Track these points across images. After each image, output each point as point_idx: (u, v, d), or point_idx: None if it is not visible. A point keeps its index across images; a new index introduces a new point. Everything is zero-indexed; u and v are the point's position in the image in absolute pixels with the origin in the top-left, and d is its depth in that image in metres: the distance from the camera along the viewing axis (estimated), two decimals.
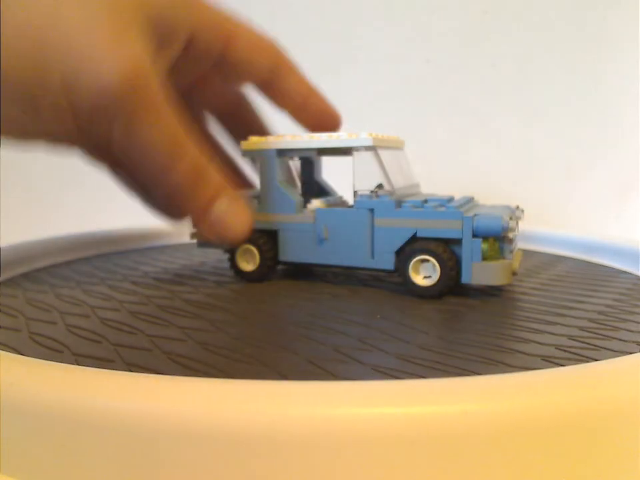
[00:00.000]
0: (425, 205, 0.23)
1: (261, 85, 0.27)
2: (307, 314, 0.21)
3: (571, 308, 0.21)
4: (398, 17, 0.53)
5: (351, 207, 0.25)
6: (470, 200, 0.25)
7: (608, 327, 0.19)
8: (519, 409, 0.11)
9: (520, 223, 0.25)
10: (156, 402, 0.12)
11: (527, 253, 0.34)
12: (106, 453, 0.12)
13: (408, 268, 0.23)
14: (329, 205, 0.26)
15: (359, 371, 0.15)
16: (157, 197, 0.26)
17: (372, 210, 0.24)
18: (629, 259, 0.29)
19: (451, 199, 0.25)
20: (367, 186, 0.24)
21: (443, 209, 0.22)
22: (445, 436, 0.11)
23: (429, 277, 0.23)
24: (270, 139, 0.25)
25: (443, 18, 0.52)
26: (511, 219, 0.22)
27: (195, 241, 0.28)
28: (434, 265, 0.22)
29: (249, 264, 0.26)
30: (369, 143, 0.23)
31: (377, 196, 0.24)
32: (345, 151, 0.26)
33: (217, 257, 0.33)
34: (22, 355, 0.16)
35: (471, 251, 0.22)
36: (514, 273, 0.22)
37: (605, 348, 0.16)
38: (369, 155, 0.24)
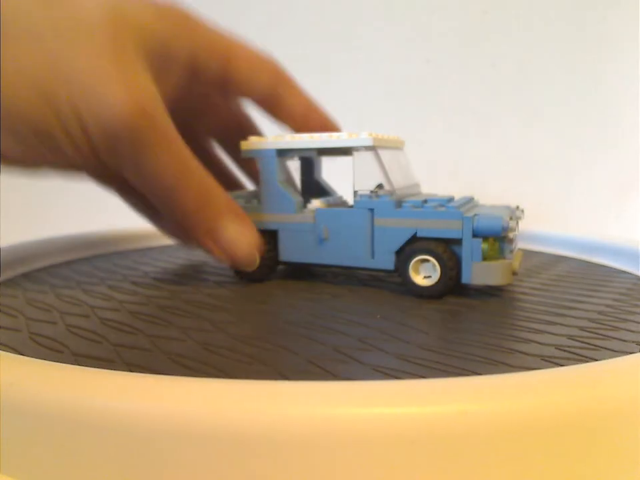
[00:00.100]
0: (425, 205, 0.23)
1: (262, 102, 0.27)
2: (307, 314, 0.21)
3: (571, 308, 0.21)
4: (398, 17, 0.53)
5: (351, 206, 0.25)
6: (470, 200, 0.25)
7: (608, 327, 0.19)
8: (519, 409, 0.11)
9: (520, 223, 0.25)
10: (156, 402, 0.12)
11: (527, 253, 0.34)
12: (106, 453, 0.12)
13: (408, 268, 0.23)
14: (329, 204, 0.26)
15: (359, 371, 0.15)
16: (166, 219, 0.28)
17: (372, 210, 0.24)
18: (629, 259, 0.29)
19: (450, 199, 0.25)
20: (367, 186, 0.24)
21: (443, 209, 0.22)
22: (445, 436, 0.11)
23: (429, 277, 0.23)
24: (269, 138, 0.25)
25: (442, 18, 0.52)
26: (511, 219, 0.22)
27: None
28: (434, 265, 0.22)
29: None
30: (369, 142, 0.23)
31: (377, 196, 0.24)
32: (344, 151, 0.26)
33: None
34: (22, 355, 0.16)
35: (471, 250, 0.22)
36: (514, 273, 0.22)
37: (604, 348, 0.16)
38: (369, 155, 0.24)
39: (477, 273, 0.22)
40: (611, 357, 0.15)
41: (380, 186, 0.24)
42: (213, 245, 0.23)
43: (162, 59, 0.22)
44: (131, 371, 0.15)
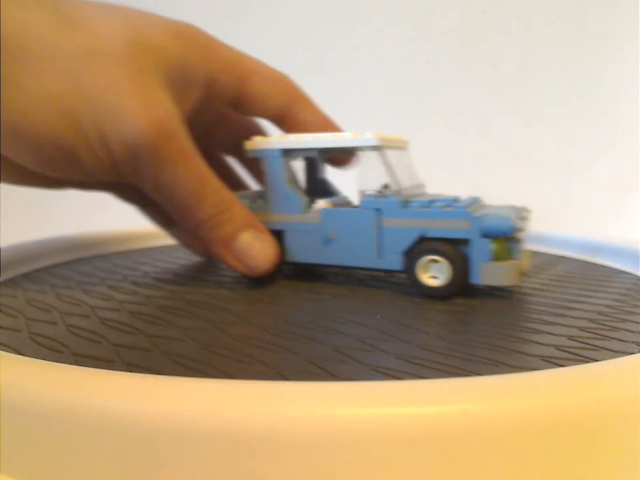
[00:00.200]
0: (432, 205, 0.23)
1: (276, 119, 0.28)
2: (307, 314, 0.21)
3: (571, 308, 0.21)
4: (398, 17, 0.53)
5: (357, 207, 0.25)
6: (476, 200, 0.25)
7: (608, 327, 0.19)
8: (519, 409, 0.11)
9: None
10: (156, 402, 0.12)
11: None
12: (106, 453, 0.12)
13: (417, 269, 0.23)
14: (335, 205, 0.25)
15: (359, 371, 0.15)
16: (183, 230, 0.30)
17: (379, 210, 0.23)
18: (629, 259, 0.29)
19: (457, 199, 0.24)
20: (372, 186, 0.24)
21: (450, 209, 0.22)
22: (445, 436, 0.11)
23: (436, 277, 0.22)
24: (274, 138, 0.25)
25: (442, 18, 0.52)
26: (519, 219, 0.22)
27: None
28: (443, 266, 0.22)
29: None
30: (375, 142, 0.23)
31: (384, 196, 0.23)
32: (348, 151, 0.25)
33: None
34: (22, 355, 0.16)
35: (480, 251, 0.21)
36: (524, 274, 0.22)
37: (604, 348, 0.16)
38: (374, 155, 0.24)
39: (486, 273, 0.21)
40: (611, 358, 0.15)
41: (386, 186, 0.24)
42: (230, 256, 0.24)
43: (181, 80, 0.23)
44: (131, 371, 0.15)
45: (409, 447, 0.11)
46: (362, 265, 0.24)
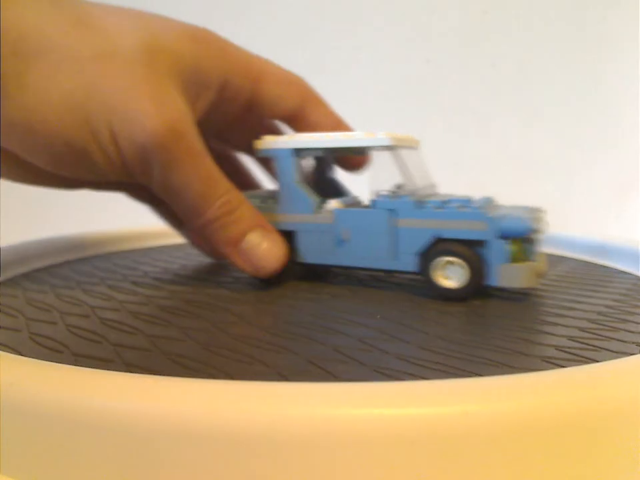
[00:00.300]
0: (447, 205, 0.23)
1: (289, 119, 0.28)
2: (307, 314, 0.21)
3: (571, 308, 0.21)
4: (398, 17, 0.53)
5: (367, 206, 0.24)
6: (489, 200, 0.25)
7: (608, 328, 0.19)
8: (520, 410, 0.11)
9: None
10: (156, 402, 0.12)
11: None
12: (106, 454, 0.12)
13: (433, 270, 0.22)
14: (346, 205, 0.25)
15: (359, 371, 0.15)
16: (193, 232, 0.30)
17: (393, 210, 0.23)
18: (629, 259, 0.29)
19: (470, 199, 0.24)
20: (383, 186, 0.24)
21: (466, 209, 0.22)
22: (446, 437, 0.11)
23: (451, 279, 0.22)
24: (285, 138, 0.25)
25: (442, 18, 0.52)
26: (536, 219, 0.21)
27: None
28: (459, 267, 0.22)
29: None
30: (389, 142, 0.23)
31: (398, 196, 0.23)
32: (360, 151, 0.25)
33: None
34: (22, 355, 0.16)
35: (497, 252, 0.21)
36: (540, 275, 0.22)
37: (604, 349, 0.16)
38: (387, 155, 0.23)
39: (504, 275, 0.21)
40: (610, 358, 0.15)
41: (399, 186, 0.24)
42: (237, 257, 0.24)
43: (194, 82, 0.24)
44: (131, 371, 0.15)
45: (409, 447, 0.11)
46: (375, 267, 0.24)
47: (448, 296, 0.22)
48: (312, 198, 0.25)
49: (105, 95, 0.21)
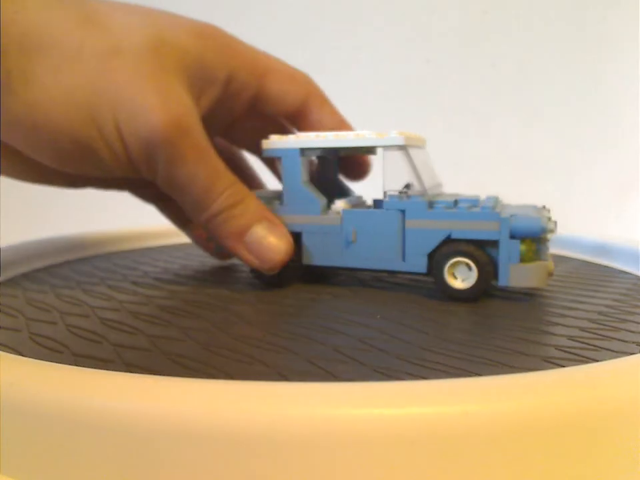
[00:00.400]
0: (457, 205, 0.22)
1: (293, 117, 0.28)
2: (307, 314, 0.21)
3: (571, 308, 0.21)
4: (398, 17, 0.53)
5: (374, 207, 0.24)
6: (496, 200, 0.25)
7: (608, 328, 0.19)
8: (520, 410, 0.11)
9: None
10: (155, 402, 0.12)
11: None
12: (106, 454, 0.12)
13: (444, 271, 0.22)
14: (353, 205, 0.25)
15: (359, 371, 0.15)
16: (198, 230, 0.30)
17: (403, 211, 0.23)
18: (629, 259, 0.29)
19: (479, 199, 0.24)
20: (394, 186, 0.23)
21: (477, 209, 0.22)
22: (446, 437, 0.11)
23: (461, 279, 0.22)
24: (292, 137, 0.25)
25: (442, 18, 0.52)
26: (547, 219, 0.21)
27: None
28: (470, 268, 0.22)
29: None
30: (401, 142, 0.23)
31: (408, 196, 0.23)
32: (368, 150, 0.25)
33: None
34: (22, 355, 0.16)
35: (508, 252, 0.21)
36: (551, 275, 0.22)
37: (605, 348, 0.16)
38: (399, 155, 0.23)
39: (515, 275, 0.21)
40: (611, 358, 0.15)
41: (407, 186, 0.23)
42: (243, 249, 0.24)
43: (200, 78, 0.24)
44: (131, 371, 0.15)
45: (409, 447, 0.11)
46: (384, 268, 0.24)
47: (457, 297, 0.22)
48: (319, 198, 0.24)
49: (111, 91, 0.21)
